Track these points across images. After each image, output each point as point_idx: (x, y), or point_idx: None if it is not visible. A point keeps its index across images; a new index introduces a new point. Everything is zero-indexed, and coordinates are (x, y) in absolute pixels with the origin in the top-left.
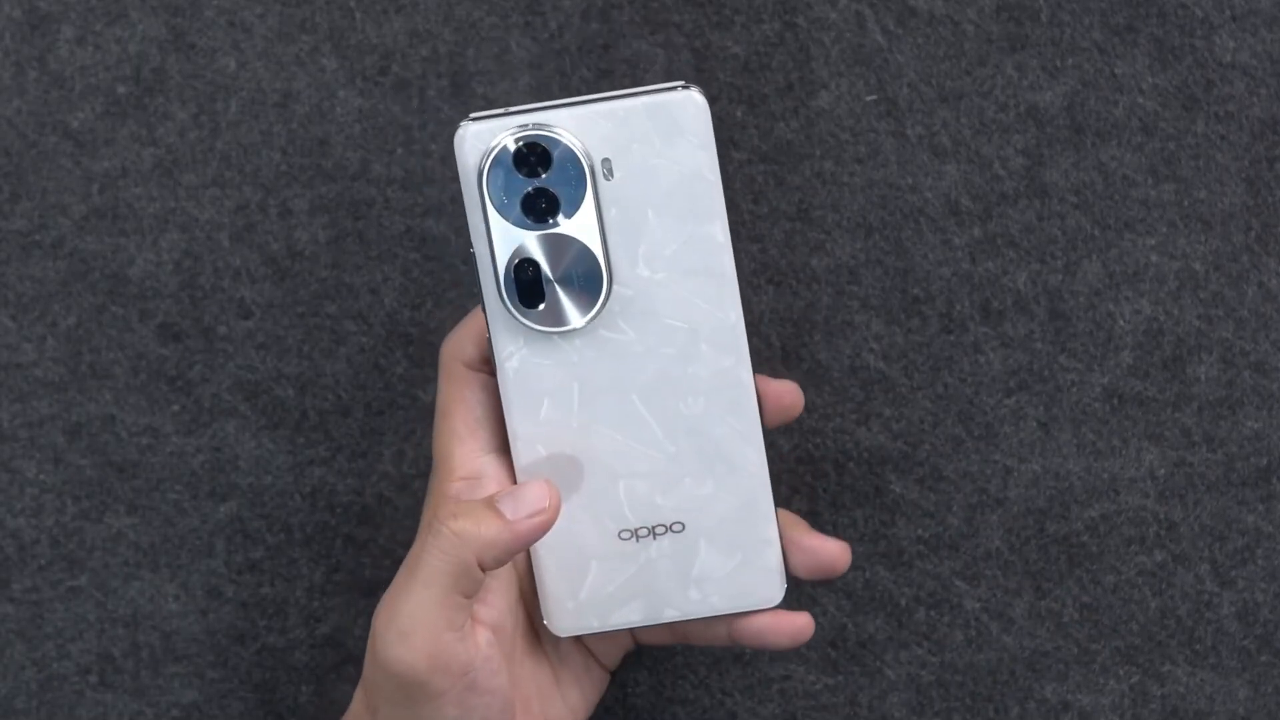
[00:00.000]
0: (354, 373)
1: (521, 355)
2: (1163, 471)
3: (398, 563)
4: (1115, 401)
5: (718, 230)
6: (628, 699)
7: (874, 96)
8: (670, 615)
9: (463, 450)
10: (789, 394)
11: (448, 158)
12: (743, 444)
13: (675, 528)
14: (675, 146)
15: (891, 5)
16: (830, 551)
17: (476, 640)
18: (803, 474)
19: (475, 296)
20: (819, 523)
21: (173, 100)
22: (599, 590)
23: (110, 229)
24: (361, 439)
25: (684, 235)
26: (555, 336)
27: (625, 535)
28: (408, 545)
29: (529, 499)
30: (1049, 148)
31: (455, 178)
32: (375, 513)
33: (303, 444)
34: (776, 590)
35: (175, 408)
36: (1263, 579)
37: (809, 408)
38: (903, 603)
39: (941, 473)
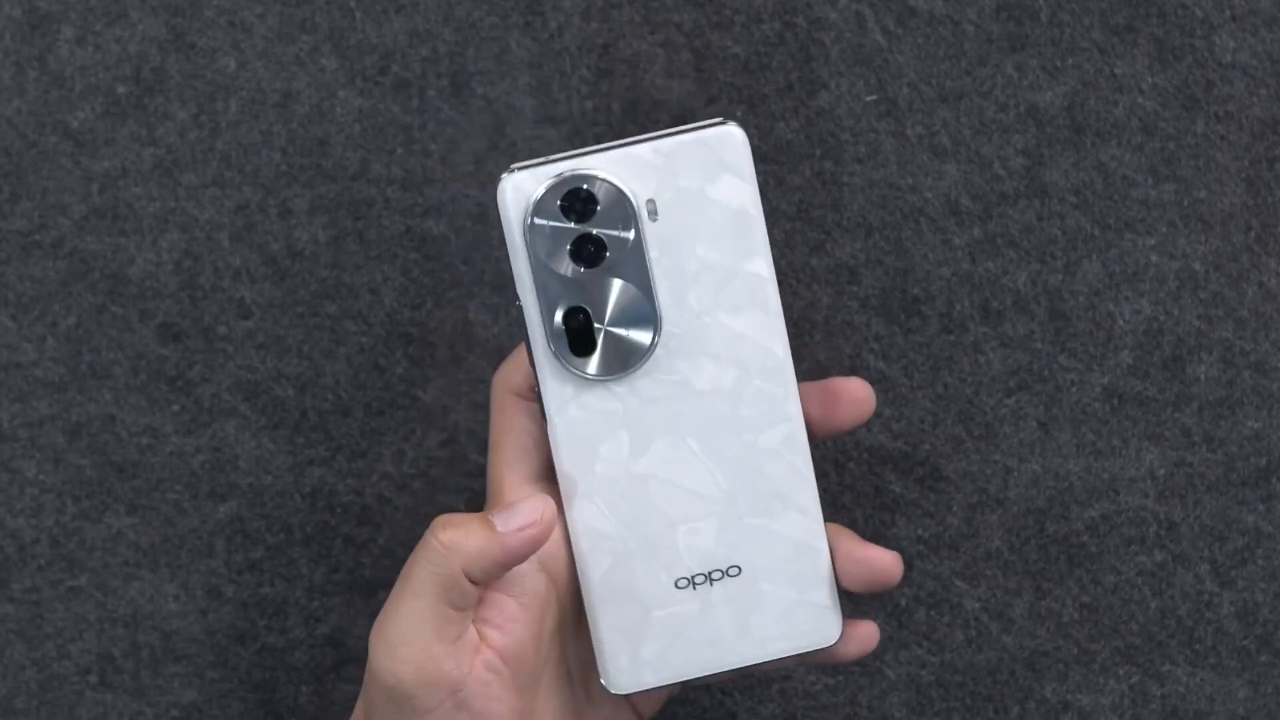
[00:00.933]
0: (354, 373)
1: (573, 405)
2: (1163, 471)
3: (398, 563)
4: (1115, 401)
5: (762, 265)
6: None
7: (874, 96)
8: (731, 664)
9: (512, 477)
10: (860, 388)
11: (448, 158)
12: (796, 480)
13: (732, 572)
14: (717, 183)
15: (891, 5)
16: (884, 563)
17: (471, 660)
18: None
19: (521, 342)
20: None
21: (173, 100)
22: (656, 644)
23: (110, 229)
24: (361, 439)
25: (729, 271)
26: (607, 382)
27: (683, 584)
28: (408, 546)
29: (522, 512)
30: (1049, 148)
31: (455, 178)
32: (375, 513)
33: (302, 444)
34: (835, 629)
35: (175, 408)
36: (1263, 579)
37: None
38: (903, 602)
39: (941, 473)
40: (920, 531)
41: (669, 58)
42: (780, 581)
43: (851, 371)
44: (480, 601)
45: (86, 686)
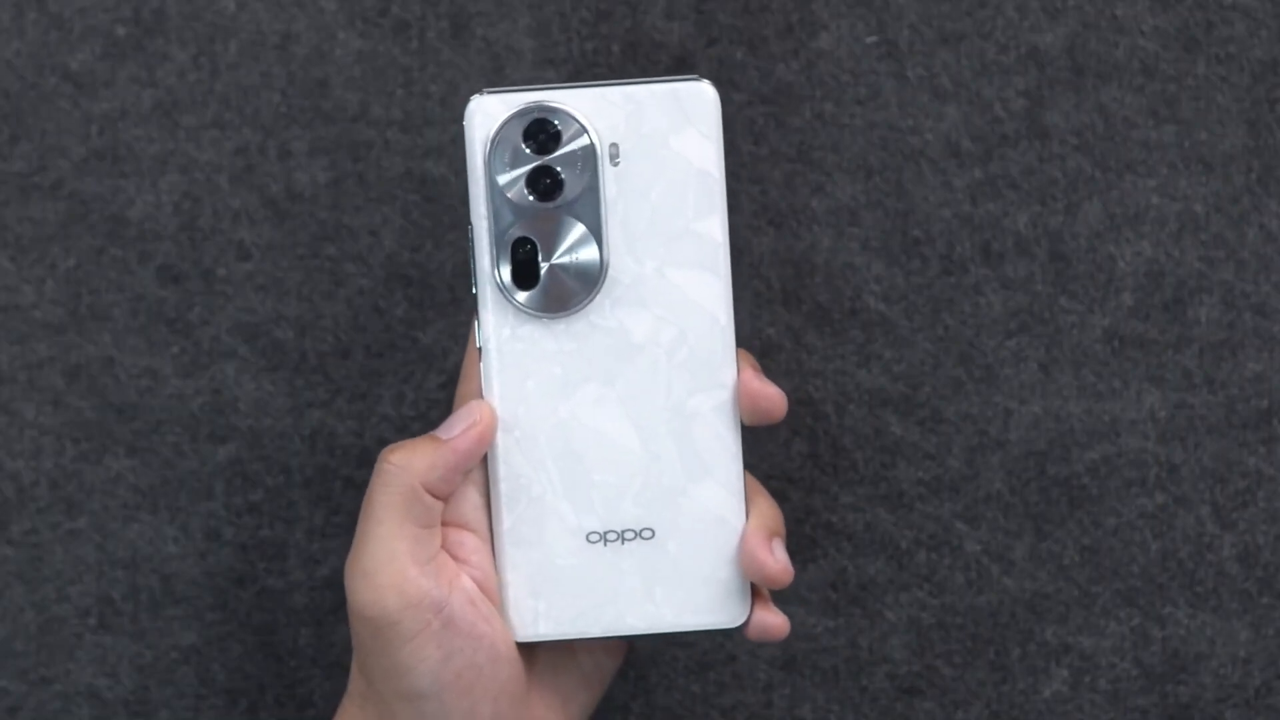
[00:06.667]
0: (353, 315)
1: (508, 336)
2: (1163, 413)
3: None
4: (1116, 343)
5: (716, 227)
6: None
7: (874, 38)
8: (631, 628)
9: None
10: (770, 400)
11: (448, 100)
12: (721, 451)
13: (645, 534)
14: (682, 138)
15: None
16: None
17: (450, 581)
18: (803, 416)
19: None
20: (819, 464)
21: (172, 42)
22: (558, 596)
23: (110, 171)
24: (361, 381)
25: (682, 228)
26: (544, 320)
27: (594, 538)
28: None
29: (460, 417)
30: (1050, 89)
31: (455, 119)
32: (375, 455)
33: (302, 386)
34: (741, 611)
35: (174, 350)
36: (1264, 521)
37: (810, 349)
38: (903, 545)
39: (942, 415)
40: (921, 474)
41: None
42: (692, 553)
43: (851, 313)
44: (444, 541)
45: (86, 629)
